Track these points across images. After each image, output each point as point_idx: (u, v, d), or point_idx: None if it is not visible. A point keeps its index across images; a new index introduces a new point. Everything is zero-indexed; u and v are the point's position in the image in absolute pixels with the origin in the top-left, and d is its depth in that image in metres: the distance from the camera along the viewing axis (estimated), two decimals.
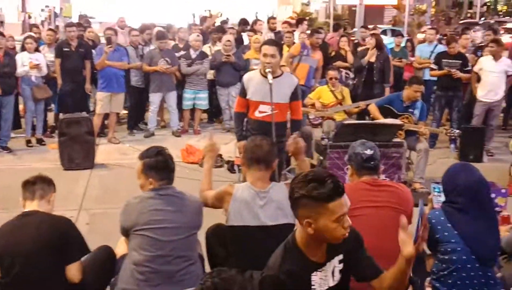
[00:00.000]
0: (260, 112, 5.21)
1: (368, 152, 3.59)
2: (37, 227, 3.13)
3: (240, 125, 5.49)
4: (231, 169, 7.57)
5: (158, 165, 3.33)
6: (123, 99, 9.10)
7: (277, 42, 5.51)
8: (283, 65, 7.85)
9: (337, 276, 2.59)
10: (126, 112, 10.15)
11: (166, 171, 3.37)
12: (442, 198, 3.40)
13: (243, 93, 5.34)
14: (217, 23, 13.33)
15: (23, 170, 7.44)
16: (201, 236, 3.74)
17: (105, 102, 8.77)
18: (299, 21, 11.38)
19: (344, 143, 5.87)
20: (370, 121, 6.83)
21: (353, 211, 2.74)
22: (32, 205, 3.28)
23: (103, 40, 9.68)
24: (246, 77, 5.31)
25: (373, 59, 9.10)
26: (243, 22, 12.55)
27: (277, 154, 4.94)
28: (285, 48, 9.59)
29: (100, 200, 6.50)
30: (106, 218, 5.87)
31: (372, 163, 3.56)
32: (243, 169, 3.65)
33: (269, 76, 4.93)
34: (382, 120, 6.58)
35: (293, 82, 5.29)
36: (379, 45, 9.19)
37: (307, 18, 32.42)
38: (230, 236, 3.42)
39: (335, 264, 2.58)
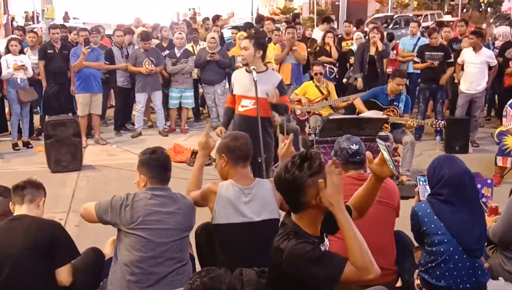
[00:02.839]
0: (242, 106, 5.35)
1: (354, 147, 3.63)
2: (25, 231, 3.13)
3: (226, 117, 5.73)
4: None
5: (150, 162, 3.34)
6: (101, 99, 9.01)
7: (254, 34, 5.64)
8: (269, 62, 7.92)
9: (327, 243, 2.66)
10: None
11: (158, 169, 3.36)
12: (428, 189, 3.45)
13: (231, 90, 5.56)
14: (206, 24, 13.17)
15: (10, 174, 7.41)
16: (191, 235, 3.75)
17: (84, 103, 8.71)
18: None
19: (330, 138, 5.91)
20: (355, 116, 6.88)
21: None
22: (22, 210, 3.28)
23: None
24: (234, 74, 5.54)
25: (373, 52, 9.11)
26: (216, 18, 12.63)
27: (265, 150, 5.05)
28: (271, 46, 9.62)
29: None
30: None
31: (358, 157, 3.60)
32: (221, 165, 3.51)
33: (254, 73, 5.01)
34: (367, 114, 6.62)
35: (276, 78, 5.34)
36: (383, 38, 9.26)
37: (290, 13, 32.59)
38: (217, 234, 3.41)
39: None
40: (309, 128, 7.59)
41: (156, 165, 3.36)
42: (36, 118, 9.61)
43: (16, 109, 8.48)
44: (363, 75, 9.15)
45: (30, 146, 8.69)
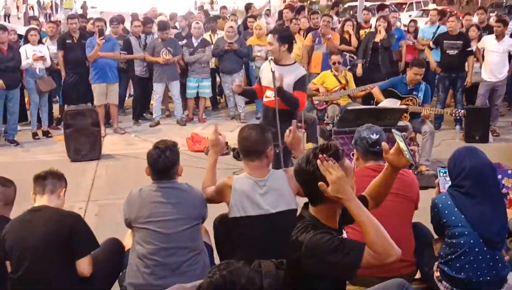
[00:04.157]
0: (266, 96, 5.41)
1: (374, 136, 3.60)
2: (45, 222, 3.15)
3: (248, 89, 6.14)
4: (237, 157, 7.58)
5: (155, 165, 3.38)
6: (117, 89, 9.04)
7: (276, 29, 5.63)
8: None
9: (345, 235, 2.66)
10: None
11: (162, 172, 3.39)
12: (449, 181, 3.41)
13: (258, 80, 5.71)
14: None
15: (31, 163, 7.50)
16: (210, 225, 3.77)
17: (101, 93, 8.75)
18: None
19: (348, 129, 5.87)
20: (374, 106, 6.83)
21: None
22: (42, 200, 3.31)
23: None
24: (263, 65, 5.59)
25: (377, 40, 9.06)
26: (249, 7, 12.59)
27: (282, 140, 5.03)
28: None
29: (108, 191, 6.54)
30: (114, 208, 5.90)
31: (378, 147, 3.56)
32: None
33: (272, 64, 5.02)
34: (384, 103, 6.57)
35: (299, 72, 5.31)
36: (390, 27, 9.21)
37: (308, 1, 32.32)
38: (234, 227, 3.41)
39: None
40: (327, 117, 7.54)
41: (160, 169, 3.39)
42: (56, 108, 9.71)
43: (35, 99, 8.56)
44: (365, 62, 9.11)
45: (49, 135, 8.78)
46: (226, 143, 7.61)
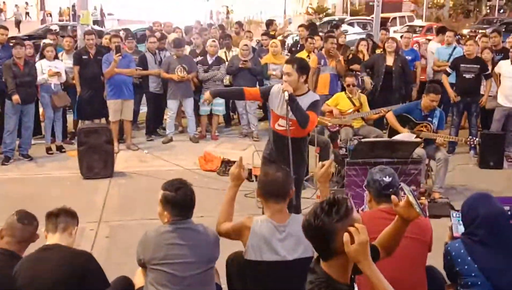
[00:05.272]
0: (279, 125, 5.32)
1: (387, 179, 3.56)
2: (57, 262, 3.16)
3: (227, 89, 6.47)
4: (249, 178, 7.56)
5: (175, 201, 3.32)
6: (132, 105, 9.10)
7: (296, 58, 5.55)
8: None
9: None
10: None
11: (182, 208, 3.35)
12: (461, 227, 3.38)
13: (264, 92, 5.45)
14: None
15: (44, 179, 7.59)
16: (221, 263, 3.74)
17: (116, 109, 8.81)
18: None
19: (362, 160, 5.84)
20: (387, 139, 6.79)
21: (371, 240, 2.74)
22: (54, 238, 3.32)
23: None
24: (275, 88, 5.36)
25: (390, 63, 9.05)
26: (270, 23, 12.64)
27: (295, 171, 5.00)
28: (303, 53, 9.59)
29: (120, 211, 6.55)
30: (125, 230, 5.94)
31: (390, 190, 3.53)
32: (258, 197, 3.58)
33: (285, 94, 4.97)
34: (399, 137, 6.53)
35: (313, 97, 5.26)
36: (397, 50, 9.17)
37: (324, 13, 32.39)
38: (248, 270, 3.38)
39: None
40: (340, 140, 7.52)
41: (181, 205, 3.34)
42: (69, 121, 9.76)
43: (50, 114, 8.62)
44: (377, 87, 9.07)
45: (63, 150, 8.83)
46: (250, 172, 7.54)
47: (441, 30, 11.01)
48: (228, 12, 33.51)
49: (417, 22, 26.96)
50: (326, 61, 9.22)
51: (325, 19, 27.15)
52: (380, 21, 19.50)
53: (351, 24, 25.56)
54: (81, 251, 3.37)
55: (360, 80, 9.53)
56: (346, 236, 2.30)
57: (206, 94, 5.49)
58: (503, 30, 18.68)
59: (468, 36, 10.44)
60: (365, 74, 9.19)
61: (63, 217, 3.38)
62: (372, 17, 26.99)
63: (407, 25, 23.85)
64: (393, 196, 2.68)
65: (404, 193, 2.65)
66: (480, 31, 18.00)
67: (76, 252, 3.29)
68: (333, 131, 7.95)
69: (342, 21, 24.86)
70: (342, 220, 2.36)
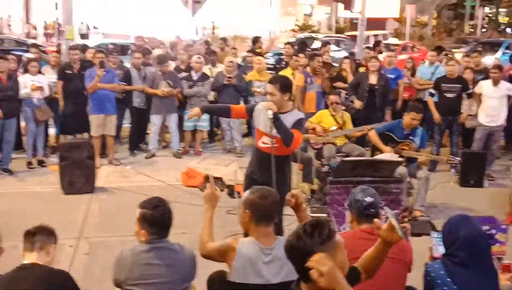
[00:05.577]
0: (263, 142, 5.30)
1: (368, 199, 3.57)
2: (34, 281, 3.11)
3: (216, 106, 6.46)
4: (231, 194, 7.57)
5: (153, 219, 3.29)
6: (116, 121, 9.05)
7: (278, 77, 5.56)
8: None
9: None
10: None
11: (159, 227, 3.32)
12: (442, 247, 3.39)
13: (250, 109, 5.46)
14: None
15: (24, 194, 7.49)
16: (201, 281, 3.71)
17: (98, 124, 8.75)
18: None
19: (344, 179, 5.86)
20: (370, 158, 6.84)
21: (352, 261, 2.75)
22: (31, 257, 3.27)
23: None
24: (259, 105, 5.37)
25: (374, 82, 9.14)
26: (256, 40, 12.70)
27: (278, 190, 4.98)
28: (288, 71, 9.64)
29: (100, 228, 6.49)
30: (106, 247, 5.87)
31: (372, 210, 3.55)
32: (244, 219, 3.42)
33: (269, 112, 4.97)
34: (382, 156, 6.57)
35: (297, 115, 5.26)
36: (380, 68, 9.28)
37: (309, 31, 32.62)
38: None
39: None
40: (323, 158, 7.55)
41: (159, 224, 3.32)
42: (51, 135, 9.67)
43: (32, 128, 8.55)
44: (363, 105, 9.13)
45: (44, 164, 8.74)
46: (221, 179, 7.60)
47: (438, 49, 11.16)
48: (214, 28, 33.64)
49: (392, 40, 26.93)
50: (312, 79, 9.28)
51: (298, 36, 26.88)
52: (351, 38, 19.13)
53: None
54: (58, 270, 3.32)
55: (344, 98, 9.61)
56: (313, 273, 2.29)
57: (196, 110, 5.43)
58: (480, 49, 18.96)
59: (449, 56, 10.58)
60: (354, 96, 9.24)
61: (40, 235, 3.34)
62: (347, 35, 27.18)
63: (375, 42, 23.57)
64: (375, 220, 2.69)
65: (385, 212, 2.66)
66: (453, 50, 18.16)
67: (53, 271, 3.25)
68: (316, 148, 7.98)
69: (314, 38, 24.68)
70: (325, 243, 2.36)
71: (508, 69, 9.91)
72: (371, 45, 20.22)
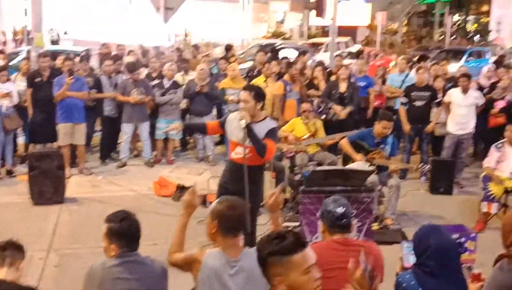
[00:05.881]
0: (236, 153, 5.30)
1: (340, 210, 3.58)
2: None
3: (195, 125, 6.64)
4: (204, 204, 7.50)
5: (121, 232, 3.24)
6: (85, 129, 8.89)
7: (253, 86, 5.60)
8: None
9: None
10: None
11: (128, 239, 3.26)
12: (412, 257, 3.42)
13: (223, 122, 5.50)
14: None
15: None
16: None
17: (66, 133, 8.60)
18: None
19: (316, 188, 5.88)
20: (341, 167, 6.89)
21: (324, 272, 2.74)
22: (1, 273, 3.20)
23: None
24: (231, 116, 5.39)
25: (343, 90, 9.23)
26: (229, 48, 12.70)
27: (251, 200, 4.98)
28: (261, 78, 9.67)
29: (71, 239, 6.39)
30: (76, 259, 5.77)
31: (344, 221, 3.56)
32: (211, 229, 3.33)
33: (242, 122, 4.99)
34: (353, 166, 6.63)
35: (270, 124, 5.28)
36: (350, 77, 9.39)
37: (281, 38, 32.76)
38: None
39: None
40: (295, 166, 7.56)
41: (127, 236, 3.26)
42: (20, 144, 9.50)
43: (0, 137, 8.38)
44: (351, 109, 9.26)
45: (13, 174, 8.57)
46: (204, 199, 7.47)
47: (422, 58, 11.31)
48: (186, 35, 33.52)
49: (356, 46, 27.01)
50: (291, 87, 9.32)
51: (256, 42, 26.74)
52: (312, 46, 19.02)
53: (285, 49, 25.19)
54: (27, 286, 3.24)
55: (316, 106, 9.68)
56: None
57: (177, 125, 5.84)
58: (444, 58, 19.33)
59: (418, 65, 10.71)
60: (332, 103, 9.31)
61: (10, 251, 3.27)
62: (306, 43, 27.27)
63: (343, 51, 23.61)
64: (349, 265, 2.54)
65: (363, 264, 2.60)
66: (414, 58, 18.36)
67: (22, 288, 3.17)
68: (289, 157, 8.00)
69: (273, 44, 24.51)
70: (275, 255, 2.38)
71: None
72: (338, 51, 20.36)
